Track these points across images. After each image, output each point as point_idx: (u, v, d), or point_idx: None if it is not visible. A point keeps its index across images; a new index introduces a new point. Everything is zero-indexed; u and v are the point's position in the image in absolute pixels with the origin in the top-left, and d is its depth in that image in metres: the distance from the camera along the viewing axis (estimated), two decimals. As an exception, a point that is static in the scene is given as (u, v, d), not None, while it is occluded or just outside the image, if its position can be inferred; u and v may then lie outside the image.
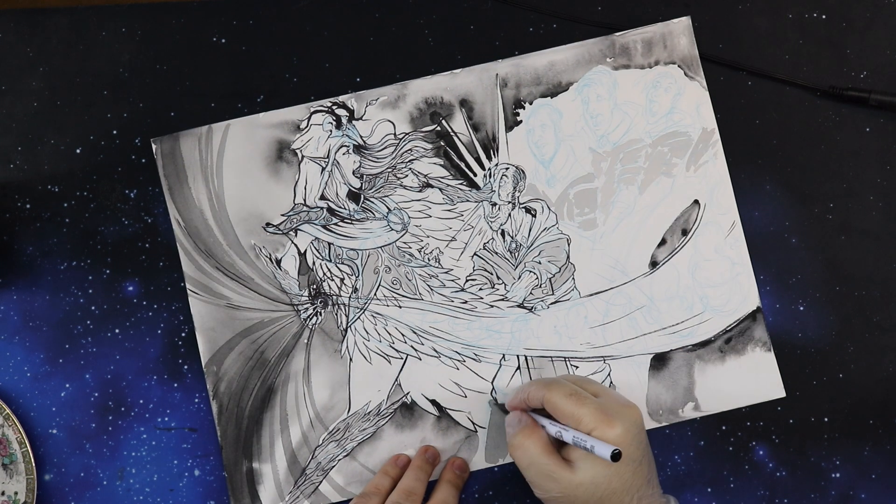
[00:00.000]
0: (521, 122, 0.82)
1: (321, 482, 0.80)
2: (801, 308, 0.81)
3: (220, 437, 0.80)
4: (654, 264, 0.81)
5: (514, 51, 0.82)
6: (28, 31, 0.83)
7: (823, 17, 0.83)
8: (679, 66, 0.82)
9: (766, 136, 0.82)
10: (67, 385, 0.81)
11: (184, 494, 0.81)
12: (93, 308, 0.81)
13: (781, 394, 0.80)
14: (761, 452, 0.81)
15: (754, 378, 0.80)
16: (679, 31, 0.82)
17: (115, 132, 0.82)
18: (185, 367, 0.81)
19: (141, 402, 0.81)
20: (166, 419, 0.81)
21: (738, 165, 0.82)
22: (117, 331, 0.81)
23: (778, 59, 0.83)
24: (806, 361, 0.81)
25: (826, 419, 0.81)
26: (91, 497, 0.80)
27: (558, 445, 0.73)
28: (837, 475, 0.80)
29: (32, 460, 0.79)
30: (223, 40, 0.83)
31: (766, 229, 0.82)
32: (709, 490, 0.81)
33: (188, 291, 0.81)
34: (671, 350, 0.81)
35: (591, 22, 0.82)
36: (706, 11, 0.83)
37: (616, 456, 0.66)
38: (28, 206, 0.82)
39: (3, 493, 0.79)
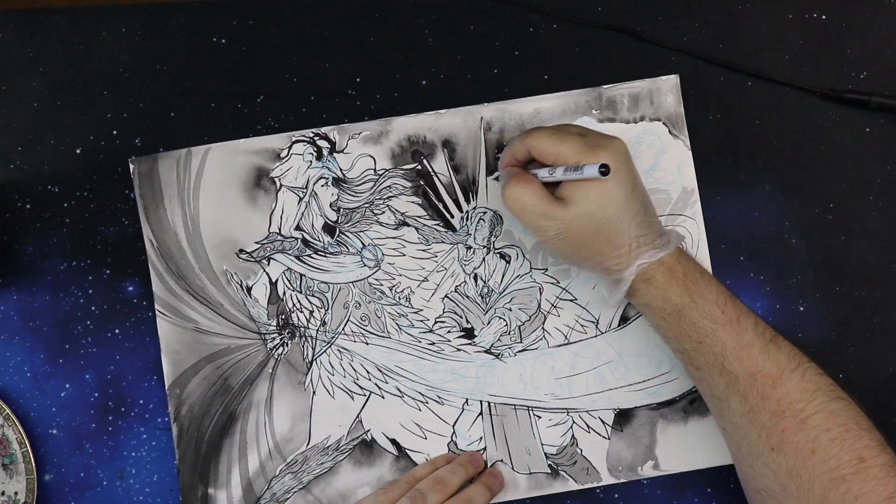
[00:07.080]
0: None
1: None
2: (801, 308, 0.81)
3: (178, 460, 0.80)
4: (624, 319, 0.81)
5: (514, 51, 0.82)
6: (28, 31, 0.83)
7: (823, 17, 0.83)
8: (664, 123, 0.81)
9: (766, 137, 0.82)
10: (67, 385, 0.81)
11: (184, 494, 0.81)
12: (93, 308, 0.81)
13: None
14: (761, 452, 0.80)
15: (715, 441, 0.80)
16: (667, 88, 0.81)
17: (115, 132, 0.82)
18: (185, 367, 0.81)
19: (141, 402, 0.81)
20: (166, 419, 0.81)
21: (738, 165, 0.82)
22: (117, 331, 0.81)
23: (778, 60, 0.83)
24: (806, 361, 0.81)
25: (826, 419, 0.81)
26: (91, 497, 0.80)
27: (551, 191, 0.72)
28: (837, 475, 0.80)
29: (32, 460, 0.79)
30: (223, 40, 0.83)
31: (766, 229, 0.82)
32: (708, 490, 0.81)
33: (157, 312, 0.80)
34: (635, 407, 0.81)
35: (592, 23, 0.82)
36: (706, 11, 0.83)
37: (605, 171, 0.66)
38: (28, 206, 0.82)
39: (3, 493, 0.79)
